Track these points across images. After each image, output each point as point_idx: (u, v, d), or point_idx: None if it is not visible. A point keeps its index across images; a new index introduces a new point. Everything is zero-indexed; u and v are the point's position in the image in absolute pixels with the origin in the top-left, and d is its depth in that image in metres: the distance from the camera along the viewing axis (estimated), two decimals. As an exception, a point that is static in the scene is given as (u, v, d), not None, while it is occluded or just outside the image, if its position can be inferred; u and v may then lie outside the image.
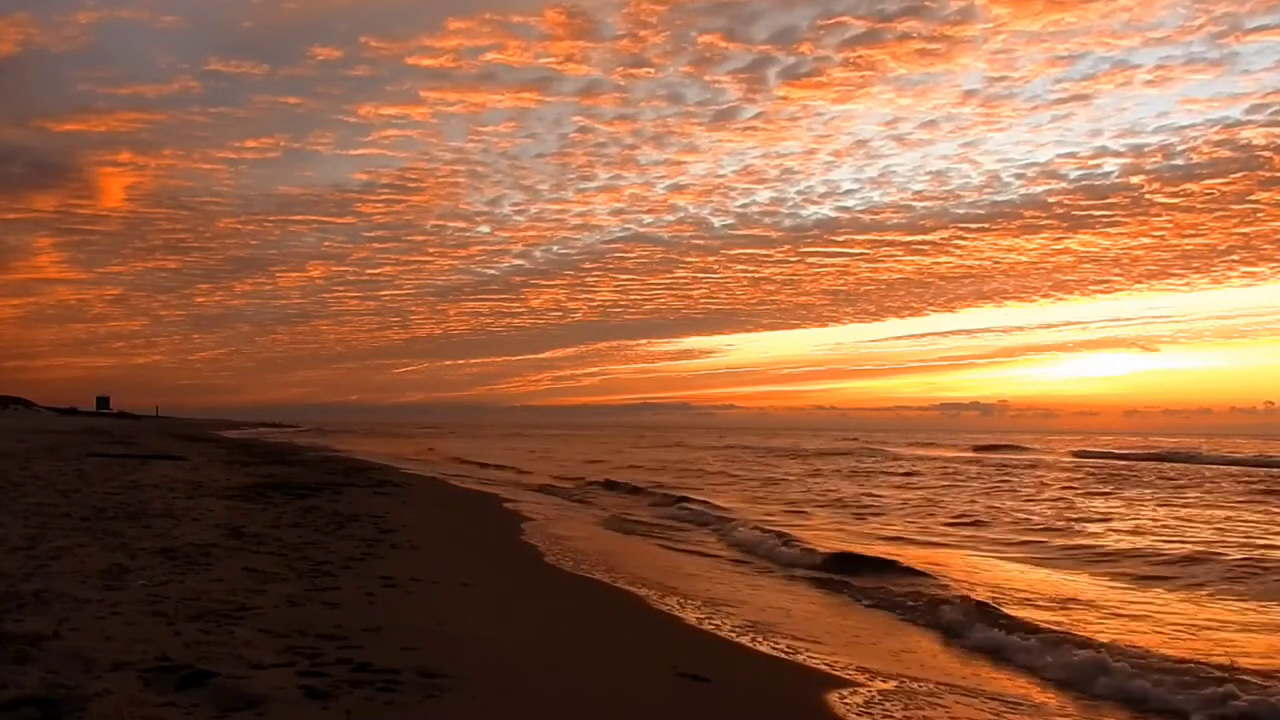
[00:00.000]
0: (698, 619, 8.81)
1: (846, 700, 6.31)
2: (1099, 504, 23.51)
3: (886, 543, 15.65)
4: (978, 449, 67.20)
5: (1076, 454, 59.74)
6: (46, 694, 4.48)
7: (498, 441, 74.57)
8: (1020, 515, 20.32)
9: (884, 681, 6.90)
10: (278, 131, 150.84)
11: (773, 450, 60.11)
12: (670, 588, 10.42)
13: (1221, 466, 43.27)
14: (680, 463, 43.15)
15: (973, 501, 23.93)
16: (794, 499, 23.91)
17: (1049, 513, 21.02)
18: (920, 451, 62.85)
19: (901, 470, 38.10)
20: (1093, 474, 37.18)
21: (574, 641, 7.43)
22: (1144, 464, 46.44)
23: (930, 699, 6.56)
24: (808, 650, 7.79)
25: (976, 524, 18.68)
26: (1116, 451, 60.62)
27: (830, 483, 30.56)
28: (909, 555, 13.58)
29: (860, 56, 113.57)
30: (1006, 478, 34.33)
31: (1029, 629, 8.68)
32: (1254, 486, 29.63)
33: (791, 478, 32.82)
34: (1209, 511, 21.67)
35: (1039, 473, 38.00)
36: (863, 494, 25.87)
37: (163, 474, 20.11)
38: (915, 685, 6.90)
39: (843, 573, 12.03)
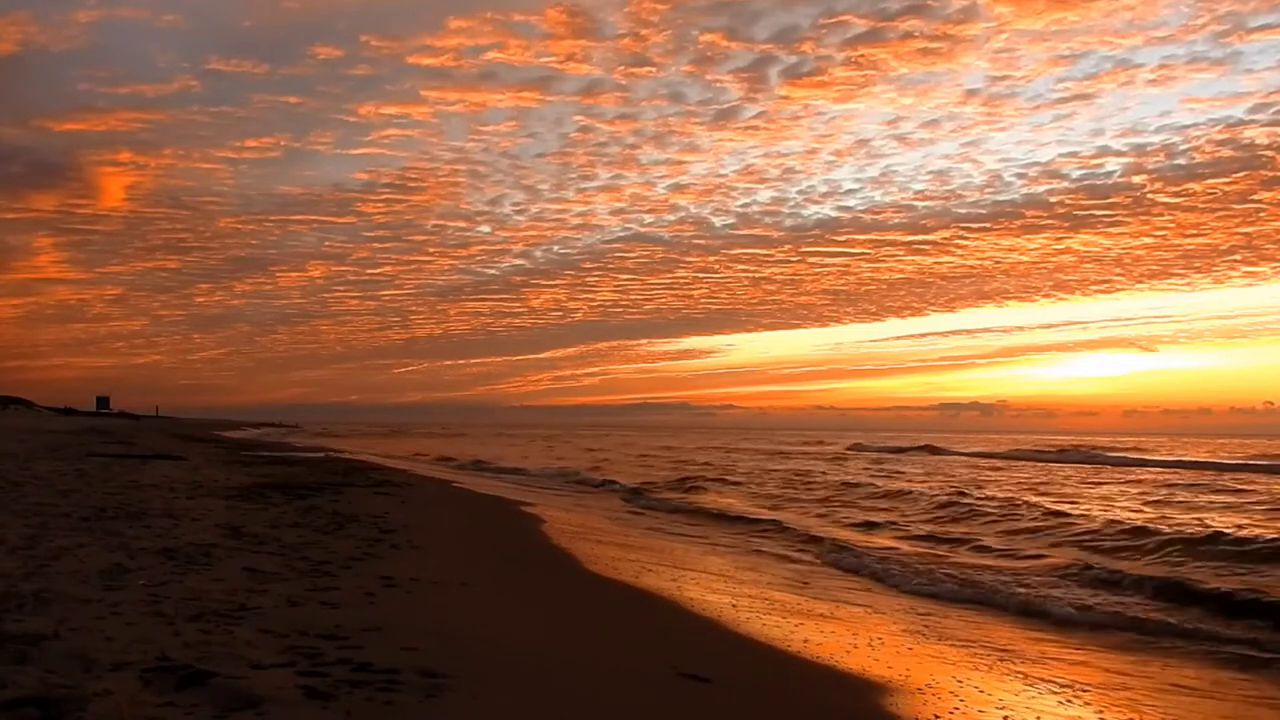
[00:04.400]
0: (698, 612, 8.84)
1: (847, 699, 6.31)
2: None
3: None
4: (849, 447, 72.59)
5: (929, 449, 66.73)
6: (46, 694, 4.47)
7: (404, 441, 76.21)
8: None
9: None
10: (278, 131, 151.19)
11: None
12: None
13: (1039, 463, 49.70)
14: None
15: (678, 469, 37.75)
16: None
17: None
18: (805, 449, 68.70)
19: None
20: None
21: (575, 640, 7.43)
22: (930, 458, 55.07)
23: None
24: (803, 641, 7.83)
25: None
26: (971, 450, 67.62)
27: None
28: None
29: (862, 55, 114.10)
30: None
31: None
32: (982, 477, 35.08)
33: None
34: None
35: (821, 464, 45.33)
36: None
37: (163, 474, 20.11)
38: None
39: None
